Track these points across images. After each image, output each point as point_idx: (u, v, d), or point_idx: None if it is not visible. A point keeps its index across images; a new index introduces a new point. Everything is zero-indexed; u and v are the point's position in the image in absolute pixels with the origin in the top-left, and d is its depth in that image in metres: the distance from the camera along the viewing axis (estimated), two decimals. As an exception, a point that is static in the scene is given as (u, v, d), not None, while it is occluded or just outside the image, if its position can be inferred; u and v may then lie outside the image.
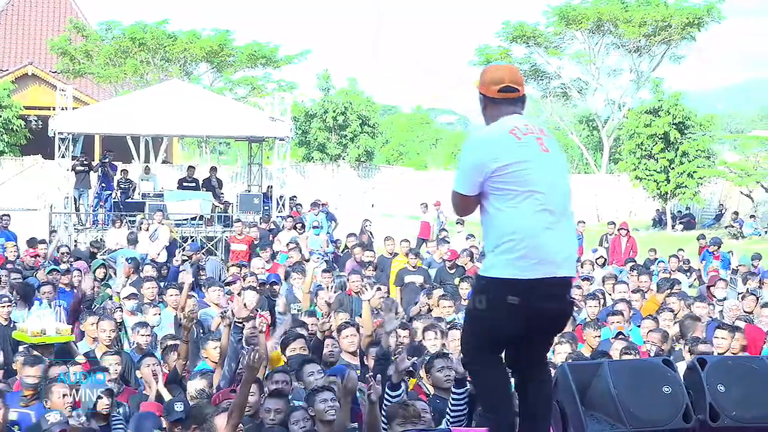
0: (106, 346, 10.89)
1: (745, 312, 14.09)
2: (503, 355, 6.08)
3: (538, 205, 5.71)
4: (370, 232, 22.71)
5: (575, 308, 12.90)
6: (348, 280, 16.08)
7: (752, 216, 40.03)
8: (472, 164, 5.81)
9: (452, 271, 18.15)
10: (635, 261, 21.09)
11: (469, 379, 6.95)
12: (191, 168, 30.49)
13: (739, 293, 16.05)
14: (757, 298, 15.24)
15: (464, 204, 5.97)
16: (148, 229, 22.33)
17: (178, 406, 8.03)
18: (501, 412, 6.02)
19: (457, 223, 24.85)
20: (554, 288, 5.81)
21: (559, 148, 6.17)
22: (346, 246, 21.89)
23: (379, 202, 45.81)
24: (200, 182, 28.69)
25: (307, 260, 19.29)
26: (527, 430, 6.08)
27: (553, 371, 6.58)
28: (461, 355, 6.64)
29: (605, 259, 21.28)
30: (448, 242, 21.38)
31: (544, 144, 5.89)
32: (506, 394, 6.08)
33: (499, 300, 5.74)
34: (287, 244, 20.90)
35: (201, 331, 11.91)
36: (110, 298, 15.25)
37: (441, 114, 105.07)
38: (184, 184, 28.41)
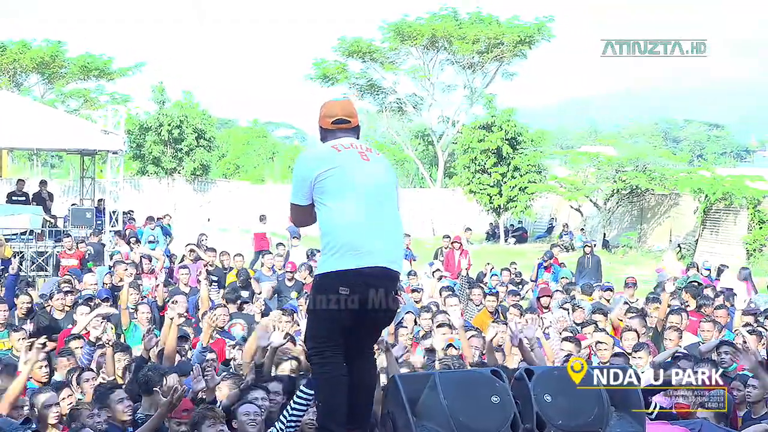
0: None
1: (574, 324, 14.45)
2: (339, 347, 6.51)
3: (355, 204, 6.35)
4: (206, 247, 22.46)
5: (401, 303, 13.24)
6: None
7: (581, 229, 41.25)
8: (299, 177, 6.56)
9: (290, 285, 18.06)
10: (467, 274, 21.47)
11: (310, 370, 7.09)
12: (21, 181, 29.57)
13: (563, 305, 16.40)
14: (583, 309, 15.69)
15: (300, 213, 6.67)
16: (-25, 245, 21.64)
17: None
18: (334, 401, 6.47)
19: (293, 237, 24.81)
20: (376, 278, 6.34)
21: (384, 161, 6.82)
22: (182, 258, 21.58)
23: (215, 216, 45.46)
24: (30, 196, 27.91)
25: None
26: (351, 414, 6.53)
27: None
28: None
29: (441, 273, 21.53)
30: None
31: (366, 155, 6.56)
32: (340, 385, 6.45)
33: (331, 293, 6.30)
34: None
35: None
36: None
37: (278, 128, 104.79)
38: (14, 198, 27.54)
